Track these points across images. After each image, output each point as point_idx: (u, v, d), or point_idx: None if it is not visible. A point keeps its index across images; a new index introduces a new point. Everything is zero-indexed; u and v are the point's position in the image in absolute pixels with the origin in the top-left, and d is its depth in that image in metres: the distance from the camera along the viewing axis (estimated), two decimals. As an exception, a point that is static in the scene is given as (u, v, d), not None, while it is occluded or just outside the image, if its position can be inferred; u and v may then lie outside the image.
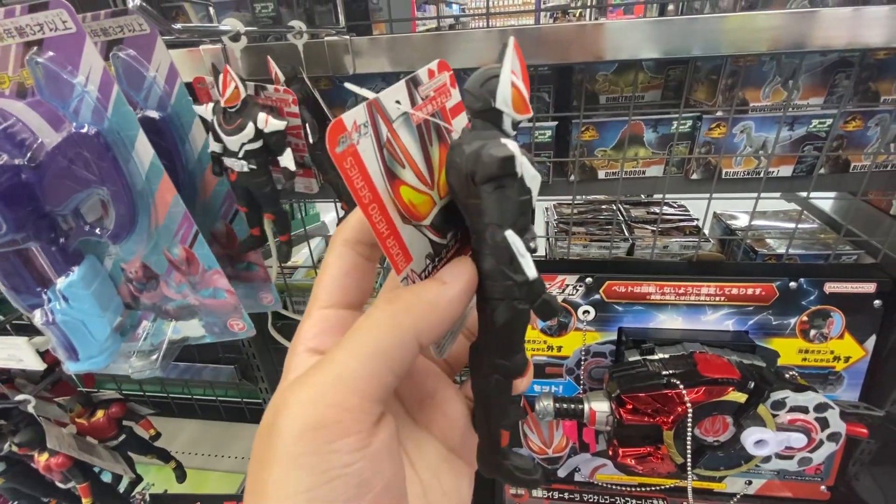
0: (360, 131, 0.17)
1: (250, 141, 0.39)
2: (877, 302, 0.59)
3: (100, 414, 0.62)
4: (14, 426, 0.57)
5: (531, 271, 0.17)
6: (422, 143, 0.19)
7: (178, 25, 0.29)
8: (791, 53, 0.53)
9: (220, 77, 0.37)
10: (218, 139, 0.41)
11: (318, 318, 0.20)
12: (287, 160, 0.41)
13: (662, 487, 0.69)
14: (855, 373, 0.63)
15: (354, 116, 0.17)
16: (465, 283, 0.18)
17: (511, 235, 0.17)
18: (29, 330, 0.55)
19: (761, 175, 0.60)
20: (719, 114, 0.58)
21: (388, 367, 0.17)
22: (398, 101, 0.18)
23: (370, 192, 0.18)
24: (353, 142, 0.17)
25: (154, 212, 0.34)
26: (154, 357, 0.39)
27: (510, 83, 0.17)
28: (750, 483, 0.70)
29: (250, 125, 0.38)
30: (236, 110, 0.38)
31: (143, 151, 0.32)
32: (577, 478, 0.76)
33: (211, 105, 0.39)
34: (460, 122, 0.20)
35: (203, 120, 0.42)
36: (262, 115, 0.39)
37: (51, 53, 0.29)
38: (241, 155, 0.39)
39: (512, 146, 0.16)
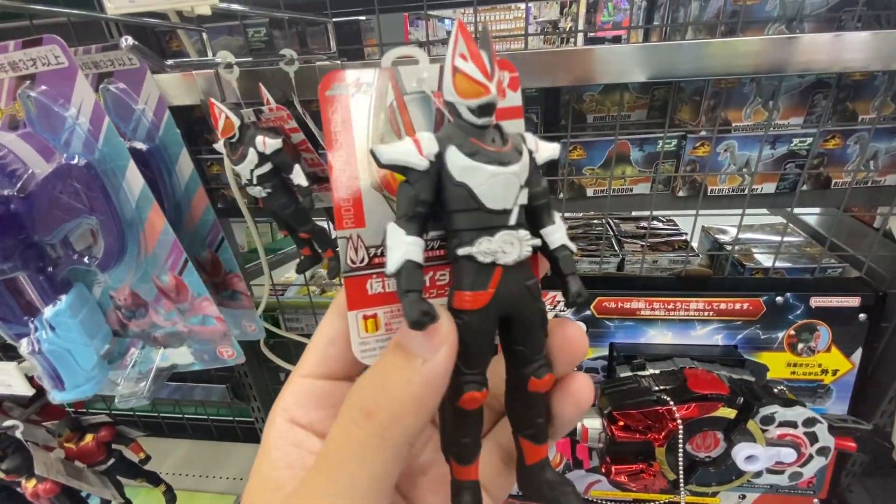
0: (360, 88, 0.18)
1: (257, 166, 0.39)
2: (862, 315, 0.60)
3: (88, 438, 0.61)
4: (1, 452, 0.56)
5: (389, 265, 0.16)
6: (436, 127, 0.19)
7: (171, 61, 0.29)
8: (771, 76, 0.55)
9: (209, 112, 0.37)
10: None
11: (297, 386, 0.19)
12: (298, 177, 0.42)
13: (657, 503, 0.69)
14: (843, 385, 0.64)
15: (359, 75, 0.18)
16: (448, 354, 0.16)
17: (389, 226, 0.17)
18: (17, 354, 0.55)
19: (746, 192, 0.62)
20: (703, 133, 0.59)
21: (388, 486, 0.16)
22: (422, 79, 0.18)
23: (344, 140, 0.18)
24: (347, 93, 0.18)
25: (143, 240, 0.34)
26: (142, 384, 0.39)
27: (451, 70, 0.16)
28: (744, 497, 0.70)
29: (251, 151, 0.39)
30: (237, 140, 0.39)
31: (133, 181, 0.32)
32: (572, 494, 0.75)
33: (222, 140, 0.40)
34: (510, 127, 0.18)
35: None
36: (258, 139, 0.39)
37: (43, 87, 0.30)
38: (255, 182, 0.40)
39: (407, 141, 0.17)
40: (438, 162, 0.17)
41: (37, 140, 0.31)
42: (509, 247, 0.17)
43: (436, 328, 0.16)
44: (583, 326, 0.19)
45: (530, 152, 0.18)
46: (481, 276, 0.17)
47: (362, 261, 0.19)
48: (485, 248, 0.17)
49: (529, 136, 0.18)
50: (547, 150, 0.19)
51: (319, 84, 0.17)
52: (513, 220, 0.17)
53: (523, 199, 0.18)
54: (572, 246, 0.19)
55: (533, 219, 0.19)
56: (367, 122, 0.18)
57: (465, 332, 0.17)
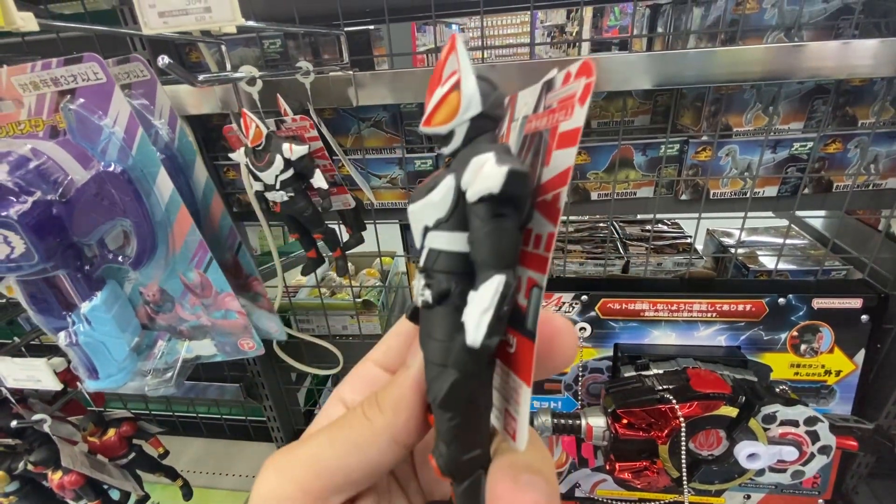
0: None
1: (282, 171, 0.43)
2: (864, 317, 0.61)
3: (111, 432, 0.63)
4: (29, 445, 0.59)
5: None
6: (519, 153, 0.17)
7: (202, 77, 0.32)
8: (771, 82, 0.57)
9: (241, 121, 0.40)
10: (257, 178, 0.45)
11: (359, 368, 0.21)
12: (319, 180, 0.45)
13: (662, 503, 0.70)
14: (846, 386, 0.65)
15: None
16: (419, 365, 0.17)
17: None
18: (42, 350, 0.57)
19: (747, 195, 0.63)
20: (705, 138, 0.61)
21: (359, 461, 0.17)
22: (526, 103, 0.16)
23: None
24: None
25: (172, 240, 0.37)
26: (168, 375, 0.41)
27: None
28: (748, 497, 0.71)
29: (278, 157, 0.42)
30: (263, 147, 0.42)
31: (164, 186, 0.35)
32: (578, 493, 0.77)
33: (242, 150, 0.43)
34: (565, 156, 0.14)
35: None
36: (285, 146, 0.42)
37: (82, 100, 0.32)
38: (278, 186, 0.43)
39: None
40: None
41: (76, 149, 0.34)
42: (418, 288, 0.15)
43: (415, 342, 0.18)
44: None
45: (457, 187, 0.14)
46: None
47: None
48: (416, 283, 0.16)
49: (473, 164, 0.13)
50: (480, 182, 0.13)
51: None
52: (421, 263, 0.15)
53: (439, 243, 0.15)
54: (470, 329, 0.14)
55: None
56: (516, 148, 0.17)
57: None
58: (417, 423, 0.17)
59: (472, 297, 0.14)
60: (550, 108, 0.15)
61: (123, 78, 0.37)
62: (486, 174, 0.13)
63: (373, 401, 0.18)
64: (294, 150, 0.43)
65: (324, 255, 0.59)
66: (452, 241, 0.14)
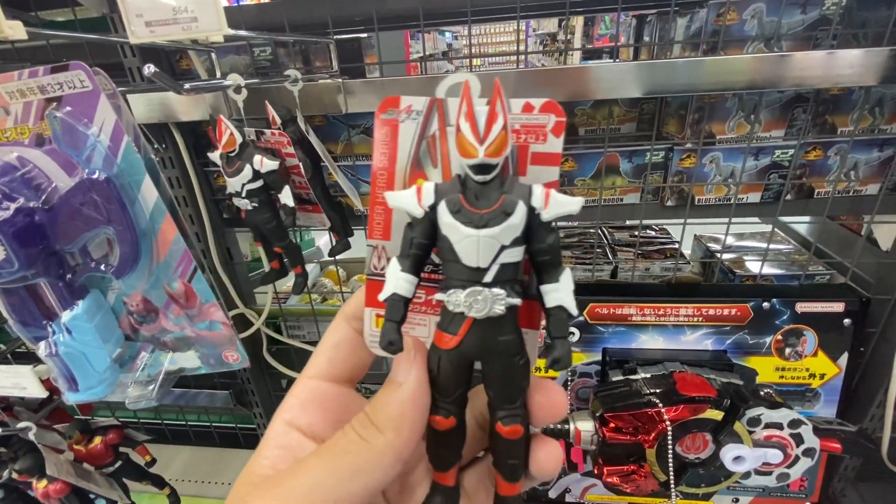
0: (410, 114, 0.19)
1: (250, 181, 0.43)
2: (846, 320, 0.62)
3: (97, 440, 0.63)
4: (13, 453, 0.58)
5: (382, 293, 0.19)
6: None
7: (187, 85, 0.32)
8: (752, 91, 0.58)
9: (217, 127, 0.41)
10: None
11: (301, 388, 0.20)
12: (285, 196, 0.45)
13: (651, 507, 0.70)
14: (831, 389, 0.65)
15: (412, 101, 0.19)
16: (417, 377, 0.18)
17: (392, 259, 0.19)
18: (28, 358, 0.57)
19: (731, 201, 0.64)
20: (689, 145, 0.62)
21: (363, 485, 0.17)
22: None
23: (388, 161, 0.20)
24: (398, 118, 0.19)
25: (156, 249, 0.37)
26: (151, 387, 0.41)
27: (456, 128, 0.17)
28: (737, 501, 0.71)
29: (248, 167, 0.42)
30: (236, 154, 0.42)
31: (148, 194, 0.35)
32: (568, 498, 0.77)
33: (218, 152, 0.43)
34: (548, 173, 0.19)
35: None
36: (257, 157, 0.43)
37: (68, 108, 0.32)
38: (244, 194, 0.43)
39: (412, 189, 0.18)
40: (433, 213, 0.18)
41: (61, 156, 0.34)
42: (477, 303, 0.18)
43: (402, 359, 0.18)
44: (563, 391, 0.20)
45: (532, 209, 0.18)
46: (454, 323, 0.18)
47: (383, 268, 0.21)
48: (454, 300, 0.18)
49: (538, 191, 0.18)
50: (558, 207, 0.18)
51: (377, 107, 0.19)
52: (488, 278, 0.18)
53: (511, 257, 0.18)
54: (571, 306, 0.18)
55: (538, 273, 0.19)
56: (409, 147, 0.19)
57: (436, 366, 0.19)
58: (419, 438, 0.18)
59: (558, 287, 0.18)
60: (513, 129, 0.18)
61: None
62: (563, 202, 0.18)
63: (366, 422, 0.17)
64: (264, 164, 0.44)
65: (288, 268, 0.58)
66: (518, 254, 0.18)
